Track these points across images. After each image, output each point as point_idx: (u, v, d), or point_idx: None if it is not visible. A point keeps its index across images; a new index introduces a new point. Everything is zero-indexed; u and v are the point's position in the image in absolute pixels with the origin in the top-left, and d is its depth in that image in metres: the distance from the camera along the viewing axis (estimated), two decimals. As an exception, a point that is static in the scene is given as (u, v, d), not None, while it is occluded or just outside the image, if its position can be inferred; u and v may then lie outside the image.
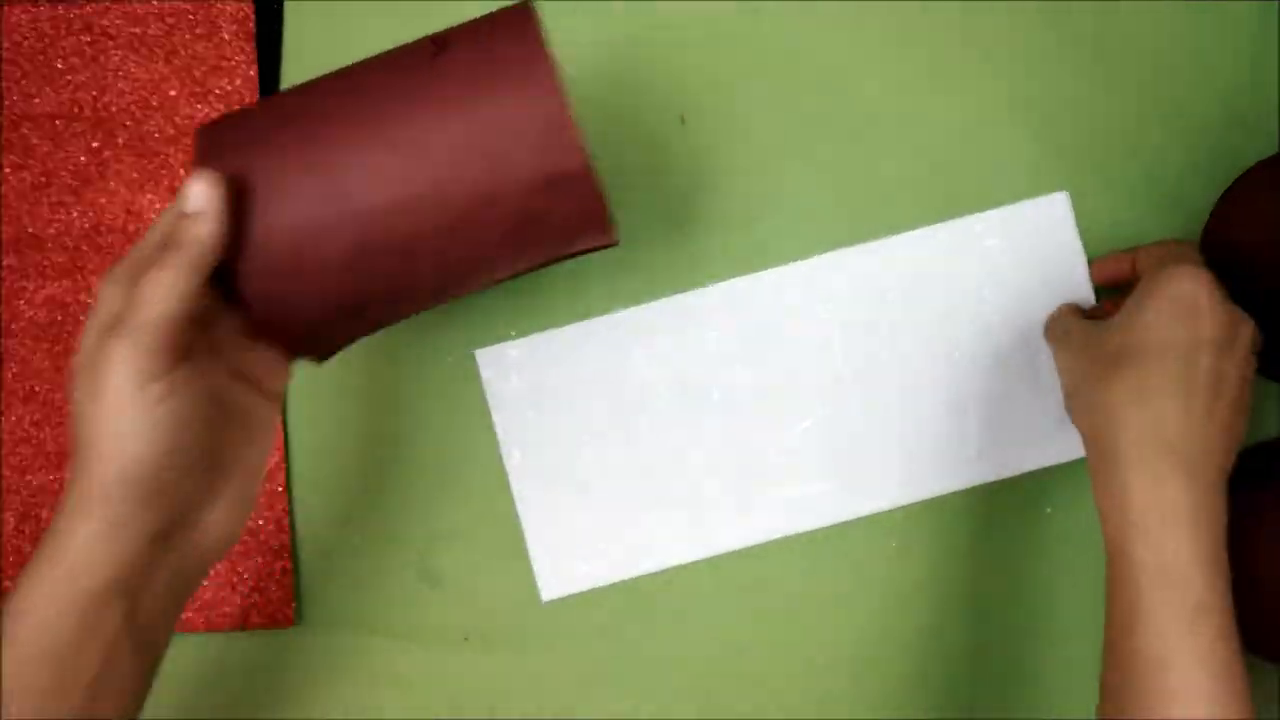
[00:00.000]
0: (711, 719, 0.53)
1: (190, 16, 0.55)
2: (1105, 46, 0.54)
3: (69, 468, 0.38)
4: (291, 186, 0.39)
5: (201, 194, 0.37)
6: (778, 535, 0.53)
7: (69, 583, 0.36)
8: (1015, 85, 0.54)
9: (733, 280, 0.54)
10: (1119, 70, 0.54)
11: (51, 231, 0.54)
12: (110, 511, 0.36)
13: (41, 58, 0.55)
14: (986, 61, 0.54)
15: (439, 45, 0.40)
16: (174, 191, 0.54)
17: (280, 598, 0.54)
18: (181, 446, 0.37)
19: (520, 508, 0.54)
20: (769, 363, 0.54)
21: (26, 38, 0.55)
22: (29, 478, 0.53)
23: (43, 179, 0.54)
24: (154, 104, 0.55)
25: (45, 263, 0.54)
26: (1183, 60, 0.54)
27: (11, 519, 0.53)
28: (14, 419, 0.53)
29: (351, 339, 0.44)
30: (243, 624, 0.53)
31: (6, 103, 0.54)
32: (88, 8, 0.55)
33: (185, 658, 0.53)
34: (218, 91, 0.55)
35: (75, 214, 0.54)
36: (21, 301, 0.54)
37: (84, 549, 0.36)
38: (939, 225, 0.54)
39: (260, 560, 0.54)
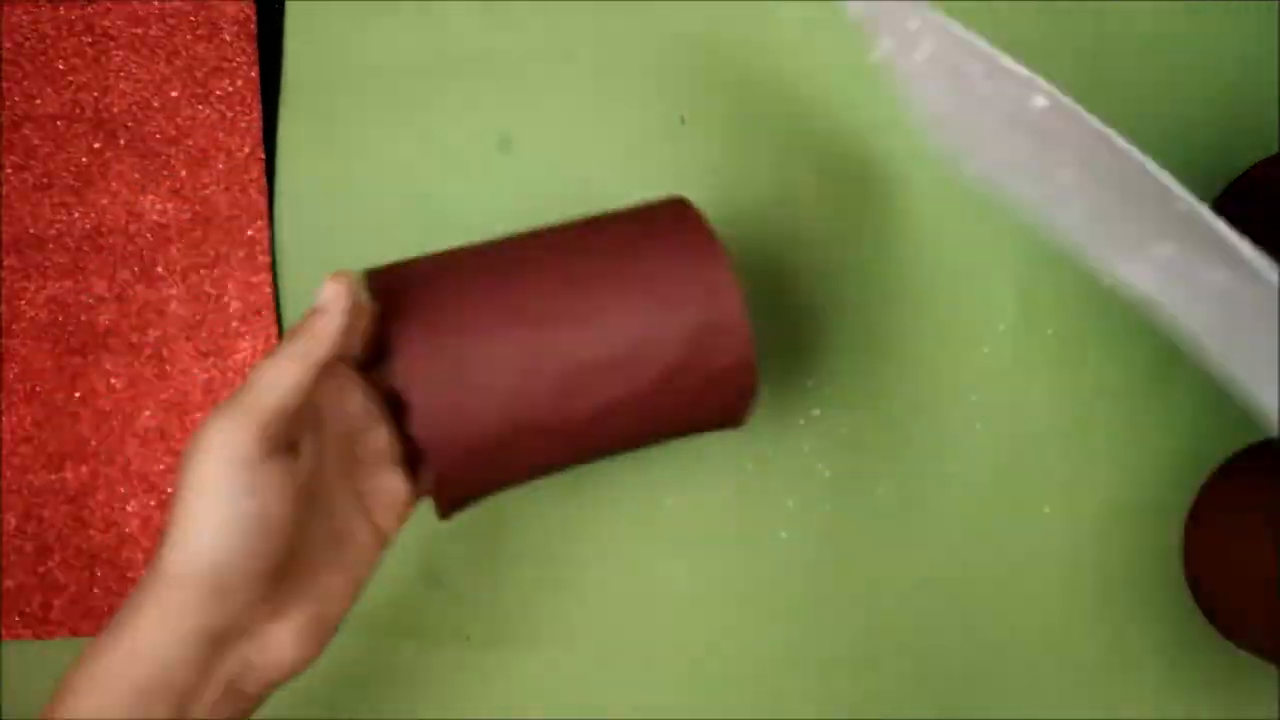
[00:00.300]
0: (711, 719, 0.53)
1: (191, 17, 0.55)
2: (1105, 46, 0.54)
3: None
4: (500, 351, 0.39)
5: (331, 291, 0.37)
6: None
7: (129, 663, 0.34)
8: (1015, 85, 0.54)
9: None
10: (1119, 70, 0.54)
11: (53, 232, 0.54)
12: (171, 596, 0.34)
13: (43, 58, 0.55)
14: (986, 62, 0.54)
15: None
16: (175, 193, 0.54)
17: (280, 598, 0.53)
18: (259, 543, 0.35)
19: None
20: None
21: (28, 38, 0.55)
22: (29, 478, 0.53)
23: (44, 179, 0.54)
24: (155, 105, 0.55)
25: (46, 263, 0.54)
26: (1183, 60, 0.54)
27: (12, 519, 0.53)
28: (14, 419, 0.53)
29: (484, 498, 0.44)
30: (243, 624, 0.53)
31: (7, 103, 0.55)
32: (89, 8, 0.55)
33: (185, 658, 0.53)
34: (219, 92, 0.55)
35: (76, 214, 0.54)
36: (22, 301, 0.54)
37: (143, 632, 0.34)
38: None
39: (260, 560, 0.53)
